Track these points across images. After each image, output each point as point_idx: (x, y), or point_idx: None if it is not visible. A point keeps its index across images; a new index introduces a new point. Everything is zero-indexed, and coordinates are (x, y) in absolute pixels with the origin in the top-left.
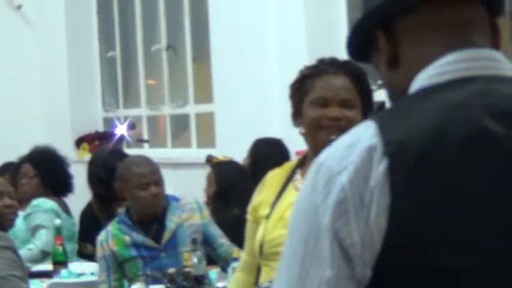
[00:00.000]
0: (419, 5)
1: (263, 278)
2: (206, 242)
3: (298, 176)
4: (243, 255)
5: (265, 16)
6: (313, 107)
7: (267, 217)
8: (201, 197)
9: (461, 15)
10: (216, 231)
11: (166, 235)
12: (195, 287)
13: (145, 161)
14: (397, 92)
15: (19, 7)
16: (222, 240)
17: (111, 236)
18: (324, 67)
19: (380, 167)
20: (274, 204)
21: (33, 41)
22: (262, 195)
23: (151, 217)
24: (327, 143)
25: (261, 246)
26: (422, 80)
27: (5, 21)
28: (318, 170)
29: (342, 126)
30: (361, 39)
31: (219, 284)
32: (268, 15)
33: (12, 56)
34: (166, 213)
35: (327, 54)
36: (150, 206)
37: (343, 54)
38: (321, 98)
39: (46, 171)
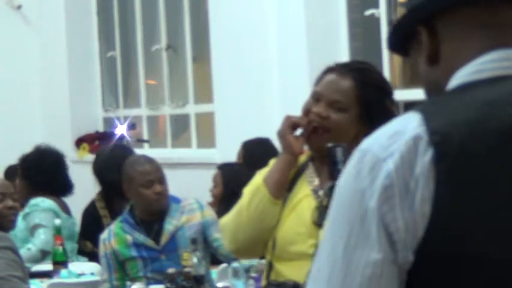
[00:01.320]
0: (461, 4)
1: (274, 276)
2: (206, 242)
3: (310, 169)
4: None
5: (265, 16)
6: (311, 99)
7: (281, 209)
8: (201, 197)
9: (501, 16)
10: (216, 232)
11: (165, 237)
12: (195, 287)
13: (148, 159)
14: (434, 86)
15: (19, 7)
16: (219, 235)
17: (113, 235)
18: (336, 66)
19: (426, 156)
20: (286, 197)
21: (33, 41)
22: None
23: (155, 217)
24: (309, 145)
25: (274, 241)
26: (461, 77)
27: (5, 21)
28: (363, 156)
29: (324, 126)
30: (402, 34)
31: (219, 284)
32: (268, 16)
33: (12, 56)
34: (166, 215)
35: (327, 54)
36: (155, 204)
37: (343, 54)
38: (315, 92)
39: (34, 173)
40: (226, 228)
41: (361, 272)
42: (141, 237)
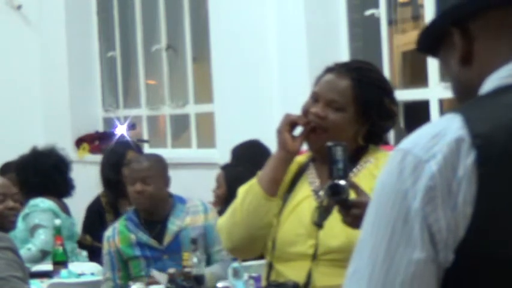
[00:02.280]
0: (495, 6)
1: (274, 276)
2: (205, 245)
3: (311, 170)
4: None
5: (265, 16)
6: (310, 99)
7: (280, 209)
8: (202, 197)
9: None
10: (217, 237)
11: (168, 237)
12: (195, 287)
13: (146, 158)
14: (466, 88)
15: (19, 7)
16: (220, 247)
17: (117, 233)
18: (335, 66)
19: (468, 158)
20: (286, 197)
21: (33, 41)
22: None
23: (158, 216)
24: (309, 144)
25: (274, 242)
26: (496, 79)
27: (5, 21)
28: (404, 157)
29: (322, 126)
30: (434, 35)
31: (219, 284)
32: (268, 15)
33: (12, 56)
34: (170, 215)
35: (327, 54)
36: (134, 203)
37: (343, 54)
38: (314, 93)
39: (29, 175)
40: (222, 228)
41: (404, 271)
42: (145, 237)
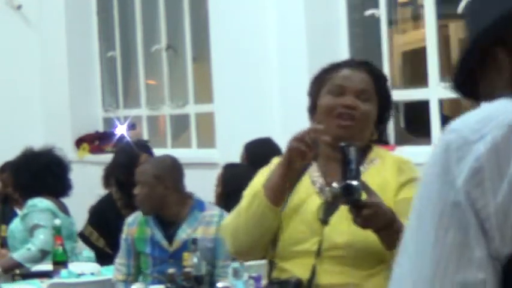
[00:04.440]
0: None
1: (276, 273)
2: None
3: (314, 169)
4: None
5: (265, 16)
6: (329, 95)
7: (282, 209)
8: (202, 197)
9: None
10: (224, 253)
11: (176, 243)
12: (195, 287)
13: (153, 160)
14: None
15: (19, 7)
16: (226, 263)
17: (136, 223)
18: (345, 63)
19: None
20: (287, 196)
21: (33, 41)
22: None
23: (172, 219)
24: (338, 136)
25: (275, 241)
26: None
27: (5, 21)
28: (450, 137)
29: (355, 116)
30: (472, 61)
31: (219, 284)
32: (268, 15)
33: (12, 56)
34: (184, 221)
35: (327, 54)
36: (137, 205)
37: (343, 54)
38: (337, 86)
39: (21, 176)
40: (227, 231)
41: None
42: (159, 235)
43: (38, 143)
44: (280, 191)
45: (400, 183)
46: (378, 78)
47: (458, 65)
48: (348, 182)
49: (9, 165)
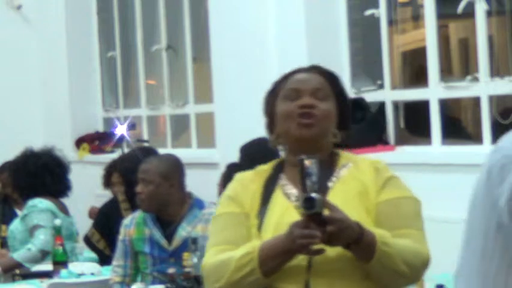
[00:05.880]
0: None
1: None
2: None
3: (284, 181)
4: (213, 249)
5: (265, 16)
6: (285, 101)
7: (258, 228)
8: (202, 197)
9: None
10: None
11: (176, 241)
12: (195, 287)
13: (157, 158)
14: None
15: (19, 7)
16: None
17: (134, 224)
18: (294, 71)
19: None
20: (262, 214)
21: (33, 41)
22: (243, 196)
23: (171, 217)
24: (300, 136)
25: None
26: None
27: (5, 21)
28: (495, 156)
29: (315, 114)
30: None
31: None
32: (268, 15)
33: (12, 56)
34: (184, 219)
35: (327, 54)
36: (138, 204)
37: (343, 54)
38: (292, 90)
39: (20, 177)
40: (207, 274)
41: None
42: (158, 235)
43: (38, 143)
44: (278, 268)
45: (379, 185)
46: (331, 78)
47: None
48: (310, 195)
49: (8, 166)
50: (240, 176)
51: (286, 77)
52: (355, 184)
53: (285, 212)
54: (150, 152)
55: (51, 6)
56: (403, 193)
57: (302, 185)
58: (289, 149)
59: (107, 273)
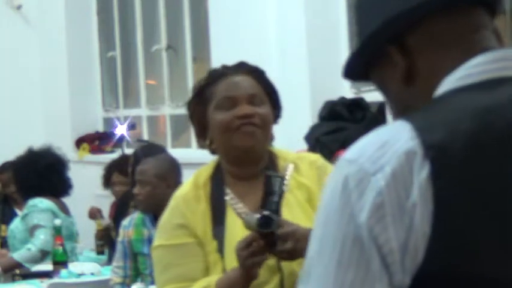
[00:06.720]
0: (433, 15)
1: None
2: None
3: (232, 199)
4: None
5: (265, 16)
6: (220, 111)
7: (219, 251)
8: None
9: (476, 20)
10: None
11: None
12: None
13: (153, 159)
14: (408, 107)
15: (19, 7)
16: None
17: (132, 225)
18: (221, 71)
19: (422, 172)
20: (219, 235)
21: (33, 41)
22: (193, 221)
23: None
24: (243, 147)
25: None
26: (451, 82)
27: (5, 21)
28: (348, 169)
29: (256, 123)
30: (365, 58)
31: None
32: (268, 16)
33: (12, 56)
34: None
35: (327, 54)
36: (137, 205)
37: (343, 54)
38: (225, 98)
39: (25, 176)
40: None
41: None
42: None
43: (38, 143)
44: None
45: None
46: (259, 76)
47: (352, 58)
48: (268, 214)
49: (9, 165)
50: (181, 196)
51: (213, 81)
52: (301, 192)
53: (243, 232)
54: (158, 150)
55: (51, 6)
56: None
57: (263, 202)
58: (228, 159)
59: (106, 273)
